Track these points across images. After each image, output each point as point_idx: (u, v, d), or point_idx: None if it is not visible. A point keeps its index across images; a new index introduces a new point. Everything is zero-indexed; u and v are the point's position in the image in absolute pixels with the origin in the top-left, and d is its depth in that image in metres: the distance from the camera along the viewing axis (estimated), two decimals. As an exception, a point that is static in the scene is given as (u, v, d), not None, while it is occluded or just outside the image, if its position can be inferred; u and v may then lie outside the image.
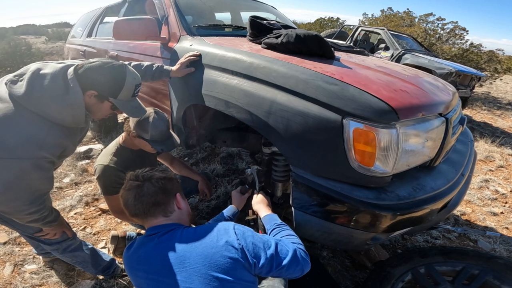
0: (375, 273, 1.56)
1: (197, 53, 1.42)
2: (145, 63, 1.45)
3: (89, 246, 1.56)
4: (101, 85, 0.99)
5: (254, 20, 1.50)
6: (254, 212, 1.38)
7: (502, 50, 8.29)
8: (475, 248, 2.14)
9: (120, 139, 1.52)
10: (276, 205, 1.58)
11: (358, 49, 1.69)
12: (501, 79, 8.78)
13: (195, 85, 1.38)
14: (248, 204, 1.44)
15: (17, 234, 1.99)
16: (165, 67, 1.47)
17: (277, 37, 1.29)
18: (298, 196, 1.04)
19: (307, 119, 0.94)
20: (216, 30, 1.89)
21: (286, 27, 1.59)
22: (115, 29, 1.57)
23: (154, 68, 1.45)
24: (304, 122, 0.94)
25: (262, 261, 0.84)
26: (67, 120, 0.99)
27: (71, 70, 0.98)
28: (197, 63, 1.42)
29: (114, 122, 3.87)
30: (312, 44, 1.20)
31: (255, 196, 1.35)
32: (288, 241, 0.94)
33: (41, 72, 0.95)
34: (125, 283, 1.62)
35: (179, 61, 1.44)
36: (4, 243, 1.91)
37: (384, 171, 0.90)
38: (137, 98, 1.15)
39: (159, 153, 1.74)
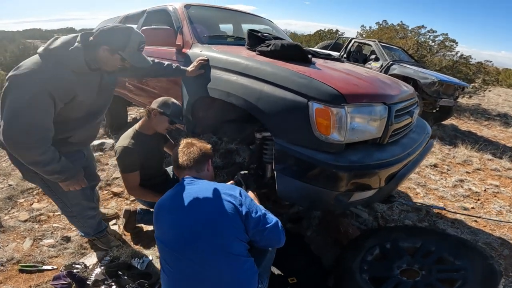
0: (349, 246, 1.85)
1: (206, 58, 1.82)
2: (166, 62, 1.85)
3: (99, 216, 1.83)
4: (111, 41, 1.23)
5: (251, 33, 1.92)
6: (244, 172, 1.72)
7: (491, 61, 8.66)
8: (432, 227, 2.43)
9: (136, 126, 1.81)
10: (267, 186, 1.90)
11: (335, 57, 2.09)
12: (489, 91, 9.08)
13: (204, 81, 1.78)
14: None
15: (38, 212, 2.22)
16: (182, 67, 1.87)
17: (267, 46, 1.70)
18: (278, 161, 1.42)
19: (285, 102, 1.34)
20: (221, 39, 2.30)
21: (277, 38, 1.99)
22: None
23: (174, 67, 1.85)
24: (283, 104, 1.35)
25: (252, 216, 1.13)
26: (71, 64, 1.21)
27: (79, 36, 1.28)
28: (206, 65, 1.82)
29: (124, 120, 4.25)
30: (292, 51, 1.62)
31: None
32: (273, 215, 1.25)
33: (57, 36, 1.29)
34: (131, 251, 1.85)
35: (192, 64, 1.84)
36: (25, 221, 2.14)
37: (339, 140, 1.29)
38: (142, 53, 1.36)
39: (166, 143, 2.08)
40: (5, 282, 1.60)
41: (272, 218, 1.20)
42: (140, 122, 1.83)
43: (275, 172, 1.44)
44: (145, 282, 1.58)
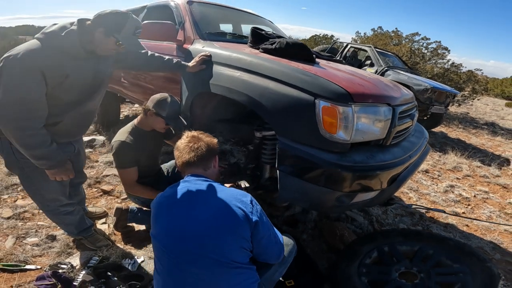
0: (346, 250, 1.83)
1: (208, 54, 1.79)
2: (167, 57, 1.81)
3: (81, 213, 1.74)
4: (108, 23, 1.25)
5: (255, 31, 1.90)
6: (245, 186, 1.64)
7: (481, 70, 8.89)
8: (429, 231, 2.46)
9: (135, 121, 1.77)
10: (264, 187, 1.86)
11: (337, 59, 2.10)
12: (478, 99, 9.31)
13: (205, 77, 1.74)
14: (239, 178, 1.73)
15: (22, 209, 2.13)
16: (183, 62, 1.83)
17: (272, 44, 1.69)
18: (281, 160, 1.39)
19: (289, 100, 1.31)
20: (222, 36, 2.27)
21: (280, 37, 1.97)
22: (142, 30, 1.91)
23: (174, 62, 1.81)
24: (287, 101, 1.32)
25: (261, 226, 1.06)
26: (64, 45, 1.23)
27: (76, 20, 1.29)
28: (208, 61, 1.79)
29: (117, 117, 4.16)
30: (296, 49, 1.61)
31: None
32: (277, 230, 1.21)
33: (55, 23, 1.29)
34: (121, 252, 1.79)
35: (194, 60, 1.80)
36: (8, 218, 2.04)
37: (345, 139, 1.27)
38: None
39: (166, 137, 2.02)
40: (-15, 282, 1.49)
41: (278, 233, 1.17)
42: (138, 117, 1.78)
43: (277, 171, 1.41)
44: (137, 284, 1.50)
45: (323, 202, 1.38)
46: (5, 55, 1.17)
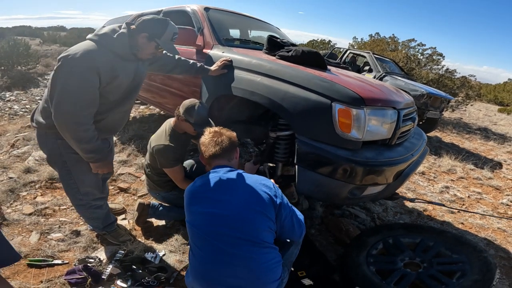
0: (354, 242, 1.96)
1: (229, 59, 1.95)
2: (192, 61, 1.95)
3: (107, 207, 1.84)
4: (151, 29, 1.36)
5: (271, 38, 2.07)
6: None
7: (474, 76, 9.12)
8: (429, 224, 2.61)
9: (172, 124, 1.88)
10: (276, 183, 2.01)
11: (344, 66, 2.28)
12: (471, 105, 9.50)
13: (227, 80, 1.90)
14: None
15: (42, 206, 2.18)
16: (205, 66, 1.98)
17: (288, 51, 1.85)
18: (300, 155, 1.55)
19: (309, 103, 1.48)
20: (238, 42, 2.43)
21: (293, 45, 2.15)
22: None
23: (198, 65, 1.96)
24: (307, 104, 1.49)
25: (284, 208, 1.19)
26: (116, 47, 1.34)
27: (124, 24, 1.41)
28: (229, 65, 1.95)
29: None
30: (312, 58, 1.77)
31: None
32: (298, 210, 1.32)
33: (104, 26, 1.40)
34: (143, 246, 1.86)
35: (216, 64, 1.96)
36: (30, 214, 2.07)
37: (357, 137, 1.44)
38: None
39: (196, 138, 2.14)
40: (14, 278, 1.54)
41: (298, 212, 1.30)
42: (173, 121, 1.90)
43: (296, 166, 1.56)
44: (162, 276, 1.59)
45: (336, 194, 1.54)
46: (62, 55, 1.27)
